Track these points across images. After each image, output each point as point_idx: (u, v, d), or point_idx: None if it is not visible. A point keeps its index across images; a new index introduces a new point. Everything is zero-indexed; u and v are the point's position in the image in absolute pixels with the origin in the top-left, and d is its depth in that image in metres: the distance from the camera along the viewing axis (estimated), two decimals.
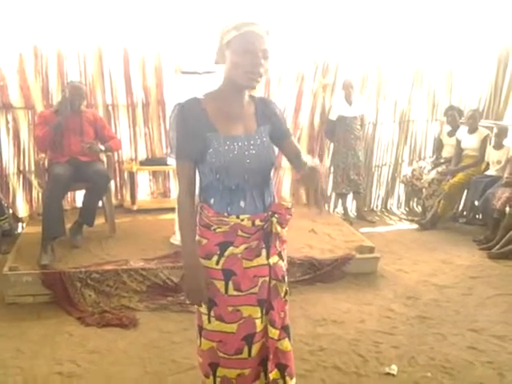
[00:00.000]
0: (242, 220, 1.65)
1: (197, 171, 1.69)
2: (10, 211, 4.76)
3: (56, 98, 4.68)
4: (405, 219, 5.69)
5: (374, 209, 6.03)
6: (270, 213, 1.68)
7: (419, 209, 5.93)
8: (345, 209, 5.57)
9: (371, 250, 4.01)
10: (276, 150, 1.75)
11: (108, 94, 5.00)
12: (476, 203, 5.21)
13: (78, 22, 4.66)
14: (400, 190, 6.10)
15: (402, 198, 6.15)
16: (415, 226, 5.34)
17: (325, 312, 3.33)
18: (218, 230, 1.66)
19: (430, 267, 4.17)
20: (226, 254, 1.66)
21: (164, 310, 3.29)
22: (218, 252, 1.67)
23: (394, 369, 2.67)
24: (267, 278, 1.71)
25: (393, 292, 3.66)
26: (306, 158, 1.71)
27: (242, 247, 1.67)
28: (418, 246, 4.74)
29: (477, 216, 5.47)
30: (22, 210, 4.95)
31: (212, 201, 1.67)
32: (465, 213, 5.64)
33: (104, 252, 3.83)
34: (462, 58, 5.74)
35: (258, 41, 1.56)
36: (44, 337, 2.95)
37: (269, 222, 1.68)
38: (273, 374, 1.72)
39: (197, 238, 1.71)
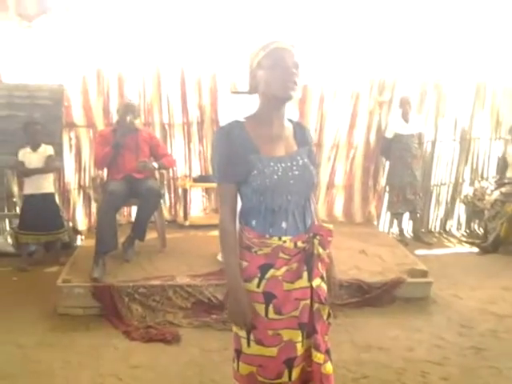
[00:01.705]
0: (285, 242, 1.64)
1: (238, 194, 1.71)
2: (70, 224, 4.99)
3: (116, 116, 4.88)
4: (465, 242, 5.42)
5: (432, 230, 5.79)
6: (311, 234, 1.68)
7: (481, 231, 5.62)
8: (400, 229, 5.39)
9: (424, 273, 3.84)
10: (315, 171, 1.74)
11: (165, 113, 5.16)
12: None
13: (138, 45, 4.89)
14: (460, 210, 5.84)
15: (463, 220, 5.87)
16: (475, 249, 5.08)
17: (371, 338, 3.21)
18: (260, 252, 1.66)
19: (488, 294, 3.93)
20: (267, 276, 1.65)
21: (207, 328, 3.30)
22: (259, 275, 1.66)
23: None
24: (308, 301, 1.68)
25: (446, 319, 3.48)
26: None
27: (284, 269, 1.65)
28: (477, 270, 4.49)
29: None
30: (81, 223, 5.17)
31: (254, 222, 1.67)
32: None
33: (153, 267, 3.91)
34: None
35: (286, 54, 1.61)
36: (91, 349, 3.04)
37: (310, 243, 1.67)
38: None
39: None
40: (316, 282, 1.67)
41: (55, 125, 4.75)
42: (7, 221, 5.03)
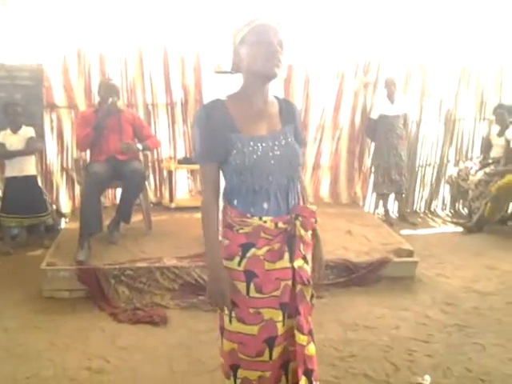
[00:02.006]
0: (265, 222, 1.62)
1: (221, 173, 1.67)
2: (54, 207, 4.92)
3: (98, 97, 4.79)
4: (449, 222, 5.48)
5: (417, 210, 5.85)
6: (293, 215, 1.64)
7: (465, 211, 5.69)
8: (386, 210, 5.42)
9: (410, 253, 3.87)
10: (301, 150, 1.70)
11: (148, 93, 5.08)
12: None
13: (119, 23, 4.78)
14: (445, 191, 5.89)
15: (447, 200, 5.93)
16: (460, 229, 5.12)
17: (358, 317, 3.24)
18: (241, 230, 1.64)
19: (473, 273, 3.99)
20: (248, 255, 1.63)
21: (194, 309, 3.29)
22: (240, 253, 1.64)
23: (426, 379, 2.55)
24: (289, 282, 1.66)
25: (431, 298, 3.51)
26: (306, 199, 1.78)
27: (265, 249, 1.64)
28: (461, 250, 4.54)
29: None
30: (65, 206, 5.11)
31: (235, 202, 1.65)
32: None
33: (139, 249, 3.88)
34: None
35: (271, 31, 1.57)
36: (77, 331, 3.02)
37: (292, 224, 1.64)
38: (302, 382, 1.66)
39: (220, 238, 1.69)
40: (298, 262, 1.65)
41: (36, 106, 4.65)
42: None
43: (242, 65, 1.60)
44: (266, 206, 1.62)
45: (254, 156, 1.58)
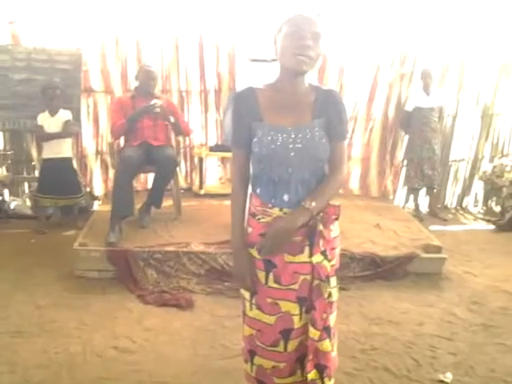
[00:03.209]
0: (285, 213, 1.63)
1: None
2: (87, 189, 5.05)
3: (133, 83, 4.86)
4: (481, 219, 5.38)
5: (448, 206, 5.74)
6: None
7: (498, 209, 5.56)
8: (416, 205, 5.35)
9: (438, 249, 3.82)
10: (329, 146, 1.64)
11: (182, 80, 5.13)
12: None
13: (156, 10, 4.82)
14: (478, 187, 5.76)
15: (480, 197, 5.81)
16: (492, 226, 5.03)
17: (382, 311, 3.24)
18: (262, 220, 1.67)
19: (502, 272, 3.91)
20: None
21: (219, 295, 3.35)
22: None
23: (448, 377, 2.54)
24: (308, 277, 1.67)
25: (457, 296, 3.48)
26: (317, 193, 1.62)
27: None
28: (492, 248, 4.46)
29: None
30: (99, 188, 5.23)
31: (258, 191, 1.68)
32: None
33: (168, 234, 3.96)
34: None
35: (306, 23, 1.53)
36: (106, 311, 3.12)
37: (314, 219, 1.63)
38: (311, 375, 1.69)
39: (245, 225, 1.73)
40: (316, 258, 1.64)
41: (74, 89, 4.75)
42: (26, 184, 5.12)
43: (277, 54, 1.61)
44: (286, 198, 1.64)
45: (272, 146, 1.59)
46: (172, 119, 4.15)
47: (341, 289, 1.83)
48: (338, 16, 4.78)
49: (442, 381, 2.52)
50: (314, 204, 1.58)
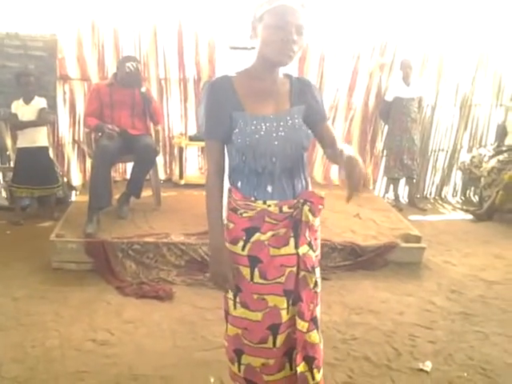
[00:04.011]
0: (269, 206, 1.58)
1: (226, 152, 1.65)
2: (65, 179, 4.95)
3: (111, 70, 4.76)
4: (459, 209, 5.43)
5: (428, 196, 5.80)
6: (301, 200, 1.61)
7: (476, 198, 5.64)
8: (396, 194, 5.38)
9: (417, 239, 3.85)
10: (310, 133, 1.63)
11: (161, 68, 5.04)
12: None
13: None
14: (457, 177, 5.83)
15: (459, 187, 5.88)
16: (470, 216, 5.07)
17: (362, 300, 3.25)
18: (245, 214, 1.61)
19: (480, 261, 3.97)
20: (252, 240, 1.61)
21: (200, 286, 3.31)
22: (244, 237, 1.62)
23: (428, 365, 2.56)
24: (295, 269, 1.63)
25: (436, 285, 3.51)
26: (342, 145, 1.58)
27: (269, 234, 1.61)
28: (470, 237, 4.51)
29: None
30: (76, 178, 5.14)
31: (239, 184, 1.63)
32: None
33: (148, 224, 3.91)
34: None
35: (291, 15, 1.47)
36: (83, 303, 3.06)
37: (298, 209, 1.60)
38: (300, 367, 1.66)
39: (225, 221, 1.67)
40: (303, 249, 1.61)
41: (49, 77, 4.64)
42: (1, 174, 4.99)
43: (256, 42, 1.55)
44: (270, 189, 1.59)
45: (256, 136, 1.54)
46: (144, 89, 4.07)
47: (322, 279, 1.81)
48: (318, 5, 4.74)
49: (421, 369, 2.54)
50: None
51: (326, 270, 3.44)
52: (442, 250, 4.14)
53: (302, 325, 1.63)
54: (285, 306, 1.64)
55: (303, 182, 1.66)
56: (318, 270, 1.70)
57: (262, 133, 1.55)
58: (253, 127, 1.55)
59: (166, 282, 3.35)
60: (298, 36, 1.49)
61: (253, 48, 1.61)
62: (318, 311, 1.72)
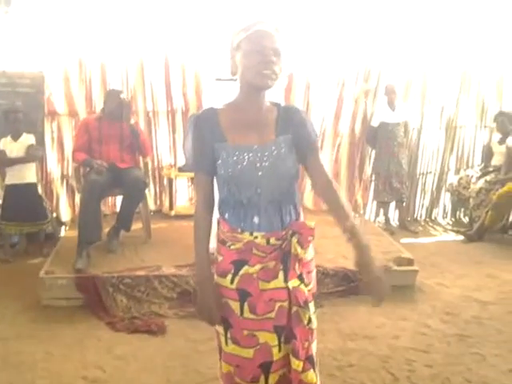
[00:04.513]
0: (256, 237, 1.54)
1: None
2: (54, 215, 4.91)
3: (98, 105, 4.80)
4: (450, 230, 5.46)
5: (418, 218, 5.83)
6: (289, 232, 1.56)
7: (466, 219, 5.68)
8: (386, 218, 5.41)
9: (410, 262, 3.84)
10: (297, 162, 1.61)
11: (149, 101, 5.09)
12: None
13: (120, 30, 4.79)
14: (446, 199, 5.87)
15: (448, 208, 5.92)
16: (461, 237, 5.09)
17: (357, 326, 3.21)
18: (233, 246, 1.58)
19: (473, 282, 3.96)
20: (241, 273, 1.57)
21: (193, 318, 3.23)
22: (233, 271, 1.58)
23: None
24: (285, 303, 1.58)
25: (431, 307, 3.49)
26: (347, 208, 1.58)
27: (258, 267, 1.56)
28: (462, 258, 4.51)
29: None
30: (65, 214, 5.11)
31: (227, 215, 1.60)
32: None
33: (138, 257, 3.88)
34: None
35: (267, 39, 1.49)
36: (74, 340, 3.00)
37: (287, 241, 1.56)
38: None
39: (215, 254, 1.65)
40: (293, 283, 1.55)
41: (37, 113, 4.67)
42: None
43: (237, 71, 1.55)
44: (256, 220, 1.55)
45: (239, 166, 1.52)
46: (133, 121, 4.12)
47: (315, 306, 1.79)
48: (302, 32, 4.86)
49: None
50: (353, 221, 1.54)
51: (319, 296, 3.40)
52: (434, 272, 4.13)
53: (296, 364, 1.55)
54: (276, 342, 1.58)
55: (292, 212, 1.61)
56: (312, 305, 1.62)
57: (245, 163, 1.53)
58: (235, 158, 1.53)
59: (158, 316, 3.30)
60: (276, 58, 1.50)
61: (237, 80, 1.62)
62: (314, 348, 1.65)
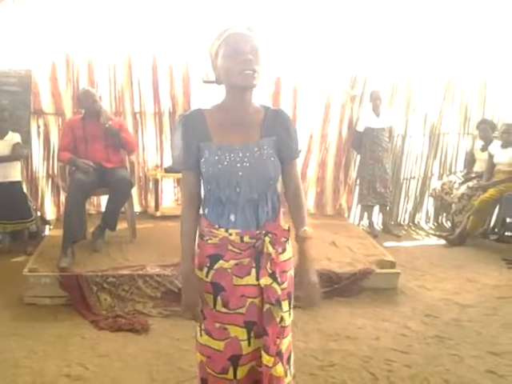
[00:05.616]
0: (230, 234, 1.60)
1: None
2: (38, 214, 4.89)
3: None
4: (432, 234, 5.54)
5: (401, 223, 5.91)
6: (263, 232, 1.60)
7: (448, 224, 5.77)
8: (370, 222, 5.47)
9: (392, 265, 3.90)
10: (279, 164, 1.64)
11: (136, 102, 5.10)
12: (508, 220, 5.02)
13: (108, 30, 4.80)
14: (429, 204, 5.96)
15: (431, 213, 6.01)
16: (443, 241, 5.17)
17: (339, 327, 3.26)
18: (210, 241, 1.64)
19: (454, 285, 4.03)
20: (216, 267, 1.62)
21: (176, 317, 3.27)
22: (208, 264, 1.63)
23: None
24: (257, 300, 1.63)
25: (411, 309, 3.55)
26: (304, 219, 1.68)
27: (232, 262, 1.61)
28: (443, 262, 4.59)
29: (508, 233, 5.27)
30: (50, 212, 5.09)
31: (207, 211, 1.66)
32: (496, 230, 5.43)
33: (123, 257, 3.88)
34: (497, 69, 5.57)
35: (241, 40, 1.54)
36: (57, 338, 3.00)
37: (261, 240, 1.60)
38: None
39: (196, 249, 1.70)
40: (264, 281, 1.59)
41: (23, 112, 4.65)
42: None
43: (221, 77, 1.59)
44: (232, 218, 1.60)
45: (219, 165, 1.56)
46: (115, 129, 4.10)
47: (298, 307, 1.82)
48: (290, 38, 4.91)
49: None
50: (307, 229, 1.64)
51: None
52: (416, 275, 4.20)
53: (267, 359, 1.60)
54: (245, 337, 1.63)
55: (270, 213, 1.64)
56: (286, 304, 1.64)
57: (226, 163, 1.57)
58: (216, 157, 1.57)
59: (142, 315, 3.31)
60: (254, 56, 1.53)
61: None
62: (285, 345, 1.68)
